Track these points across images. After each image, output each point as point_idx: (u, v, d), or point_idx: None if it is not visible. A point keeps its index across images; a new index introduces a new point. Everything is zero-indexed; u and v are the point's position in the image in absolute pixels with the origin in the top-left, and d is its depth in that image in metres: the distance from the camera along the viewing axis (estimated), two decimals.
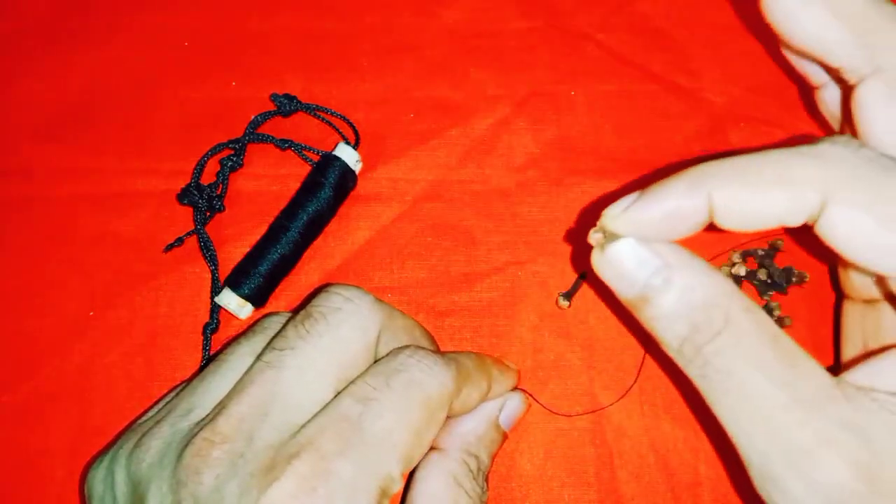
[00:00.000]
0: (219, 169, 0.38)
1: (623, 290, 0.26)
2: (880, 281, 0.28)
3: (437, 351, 0.31)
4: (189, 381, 0.29)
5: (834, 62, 0.27)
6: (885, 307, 0.29)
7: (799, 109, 0.39)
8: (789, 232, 0.36)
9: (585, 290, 0.36)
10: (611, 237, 0.26)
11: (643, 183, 0.27)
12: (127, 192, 0.38)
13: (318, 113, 0.39)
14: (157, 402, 0.30)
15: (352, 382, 0.26)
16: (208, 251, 0.36)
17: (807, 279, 0.35)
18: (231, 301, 0.34)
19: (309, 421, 0.25)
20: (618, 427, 0.34)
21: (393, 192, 0.38)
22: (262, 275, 0.34)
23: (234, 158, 0.38)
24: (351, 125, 0.39)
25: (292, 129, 0.39)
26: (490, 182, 0.38)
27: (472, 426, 0.30)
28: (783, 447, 0.23)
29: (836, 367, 0.33)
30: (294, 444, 0.24)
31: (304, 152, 0.38)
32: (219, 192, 0.37)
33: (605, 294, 0.36)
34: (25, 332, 0.35)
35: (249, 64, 0.41)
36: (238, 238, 0.37)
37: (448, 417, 0.27)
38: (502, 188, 0.38)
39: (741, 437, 0.24)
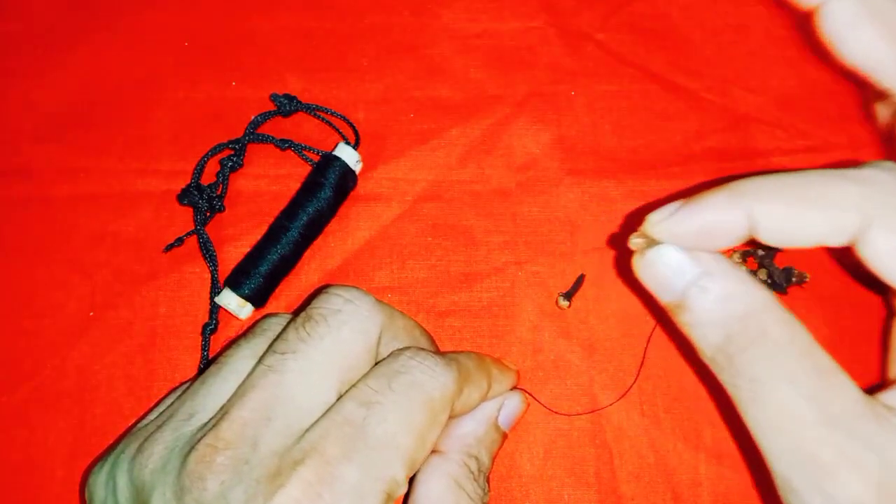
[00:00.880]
0: (219, 169, 0.38)
1: (662, 294, 0.27)
2: None
3: (437, 351, 0.31)
4: (190, 383, 0.29)
5: (882, 83, 0.27)
6: None
7: (798, 109, 0.39)
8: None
9: (585, 290, 0.36)
10: (651, 243, 0.27)
11: (687, 191, 0.28)
12: (127, 192, 0.38)
13: (318, 113, 0.39)
14: (157, 405, 0.29)
15: (354, 385, 0.26)
16: (208, 251, 0.36)
17: (807, 279, 0.35)
18: (231, 301, 0.34)
19: (312, 425, 0.25)
20: (618, 427, 0.34)
21: (393, 192, 0.38)
22: (262, 275, 0.34)
23: (234, 158, 0.38)
24: (351, 125, 0.39)
25: (292, 129, 0.39)
26: (490, 182, 0.38)
27: (472, 427, 0.30)
28: (805, 461, 0.23)
29: (880, 383, 0.33)
30: (298, 449, 0.24)
31: (304, 152, 0.38)
32: (219, 193, 0.37)
33: (606, 295, 0.36)
34: (25, 332, 0.35)
35: (249, 64, 0.41)
36: (238, 238, 0.37)
37: (449, 418, 0.27)
38: (502, 188, 0.38)
39: (767, 446, 0.24)
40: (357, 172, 0.37)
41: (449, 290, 0.36)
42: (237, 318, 0.35)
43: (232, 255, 0.36)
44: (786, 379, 0.24)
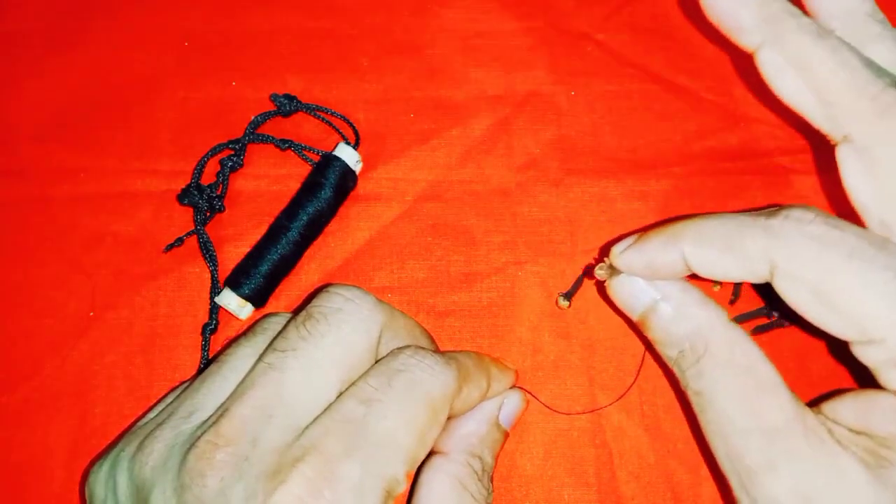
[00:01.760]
0: (219, 169, 0.38)
1: (629, 314, 0.31)
2: None
3: (437, 351, 0.31)
4: (190, 382, 0.29)
5: (814, 124, 0.30)
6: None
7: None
8: None
9: (585, 290, 0.36)
10: (613, 272, 0.31)
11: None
12: (127, 192, 0.38)
13: (318, 113, 0.39)
14: (156, 404, 0.29)
15: (354, 383, 0.26)
16: (208, 251, 0.36)
17: None
18: (231, 301, 0.34)
19: (313, 423, 0.25)
20: (618, 427, 0.34)
21: (393, 192, 0.38)
22: (262, 275, 0.34)
23: (234, 159, 0.38)
24: (351, 125, 0.39)
25: (292, 129, 0.39)
26: (490, 182, 0.38)
27: (474, 427, 0.30)
28: (738, 465, 0.26)
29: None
30: (299, 446, 0.24)
31: (304, 152, 0.38)
32: (219, 193, 0.37)
33: (606, 295, 0.36)
34: (25, 332, 0.35)
35: (249, 64, 0.41)
36: (238, 238, 0.37)
37: (449, 417, 0.27)
38: (502, 188, 0.38)
39: (713, 449, 0.28)
40: (357, 172, 0.37)
41: (449, 290, 0.36)
42: (237, 318, 0.35)
43: (232, 255, 0.36)
44: (726, 393, 0.27)
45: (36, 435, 0.34)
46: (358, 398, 0.25)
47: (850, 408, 0.27)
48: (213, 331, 0.35)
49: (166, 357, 0.35)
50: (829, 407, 0.27)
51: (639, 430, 0.34)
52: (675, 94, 0.40)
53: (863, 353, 0.26)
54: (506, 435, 0.32)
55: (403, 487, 0.25)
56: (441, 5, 0.42)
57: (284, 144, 0.38)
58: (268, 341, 0.28)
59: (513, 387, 0.33)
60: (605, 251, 0.37)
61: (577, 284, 0.36)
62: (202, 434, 0.24)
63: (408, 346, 0.28)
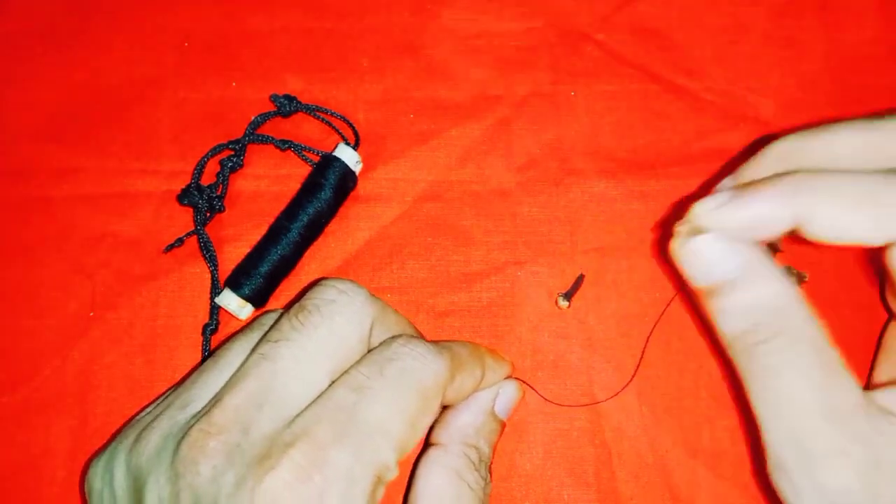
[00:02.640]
0: (219, 169, 0.38)
1: (697, 279, 0.28)
2: None
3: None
4: (187, 377, 0.29)
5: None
6: None
7: (798, 109, 0.39)
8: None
9: (585, 291, 0.36)
10: (695, 230, 0.28)
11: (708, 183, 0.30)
12: (127, 192, 0.38)
13: (318, 113, 0.39)
14: (155, 400, 0.30)
15: (346, 372, 0.26)
16: (208, 252, 0.36)
17: (806, 279, 0.35)
18: (231, 302, 0.34)
19: (304, 410, 0.25)
20: (617, 427, 0.34)
21: (393, 192, 0.38)
22: (262, 275, 0.34)
23: (234, 159, 0.38)
24: (351, 125, 0.39)
25: (292, 130, 0.39)
26: (490, 182, 0.38)
27: (470, 418, 0.30)
28: (802, 446, 0.25)
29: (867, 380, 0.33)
30: (289, 433, 0.24)
31: (304, 153, 0.38)
32: (219, 193, 0.37)
33: (605, 295, 0.36)
34: (25, 332, 0.35)
35: (249, 64, 0.41)
36: (238, 238, 0.37)
37: (444, 407, 0.27)
38: (502, 188, 0.38)
39: (768, 428, 0.26)
40: (357, 173, 0.37)
41: (448, 290, 0.36)
42: (237, 319, 0.35)
43: (232, 255, 0.36)
44: (796, 371, 0.25)
45: (36, 435, 0.34)
46: (349, 386, 0.25)
47: None
48: (214, 331, 0.35)
49: (166, 357, 0.35)
50: (887, 395, 0.27)
51: (638, 430, 0.34)
52: (675, 94, 0.40)
53: None
54: (503, 425, 0.32)
55: (394, 474, 0.25)
56: (441, 5, 0.42)
57: (284, 145, 0.38)
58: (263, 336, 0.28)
59: (509, 377, 0.33)
60: (605, 251, 0.37)
61: (577, 284, 0.36)
62: (195, 423, 0.25)
63: (400, 336, 0.28)
